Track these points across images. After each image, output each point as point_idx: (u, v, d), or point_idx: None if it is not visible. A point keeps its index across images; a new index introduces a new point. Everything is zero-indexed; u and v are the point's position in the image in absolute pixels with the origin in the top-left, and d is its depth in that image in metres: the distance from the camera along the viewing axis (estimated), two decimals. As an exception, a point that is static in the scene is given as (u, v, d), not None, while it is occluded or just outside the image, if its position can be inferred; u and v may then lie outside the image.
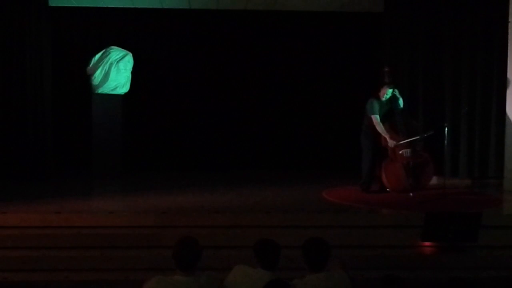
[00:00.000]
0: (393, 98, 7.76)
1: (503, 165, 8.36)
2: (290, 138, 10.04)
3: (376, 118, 7.55)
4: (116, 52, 9.08)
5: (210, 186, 8.40)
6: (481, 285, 4.77)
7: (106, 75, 8.97)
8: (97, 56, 9.03)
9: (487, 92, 8.93)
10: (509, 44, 8.15)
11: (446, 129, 7.92)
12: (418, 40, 9.02)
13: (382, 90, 7.67)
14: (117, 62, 9.04)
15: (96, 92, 9.06)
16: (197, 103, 9.95)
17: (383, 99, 7.68)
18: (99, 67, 8.96)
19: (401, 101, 7.84)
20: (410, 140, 7.59)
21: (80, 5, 9.43)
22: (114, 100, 9.06)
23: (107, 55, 9.00)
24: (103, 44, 9.58)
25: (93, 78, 9.01)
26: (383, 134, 7.56)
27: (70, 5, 9.39)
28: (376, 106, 7.60)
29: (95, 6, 9.48)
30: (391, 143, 7.53)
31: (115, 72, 9.01)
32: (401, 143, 7.58)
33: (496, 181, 8.65)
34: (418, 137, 7.68)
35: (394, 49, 9.04)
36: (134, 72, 9.35)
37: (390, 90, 7.67)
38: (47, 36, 8.93)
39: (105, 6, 9.45)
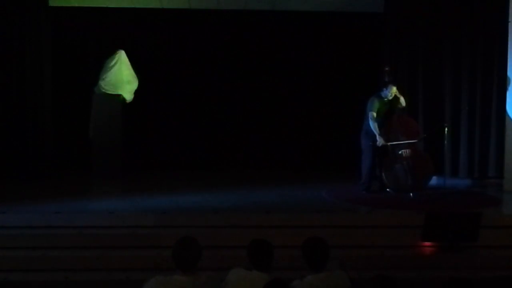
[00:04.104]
0: (393, 97, 7.77)
1: (503, 165, 8.37)
2: (291, 138, 10.03)
3: (372, 115, 7.55)
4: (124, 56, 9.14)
5: (210, 186, 8.40)
6: (481, 285, 4.76)
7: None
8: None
9: (487, 92, 8.94)
10: (509, 44, 8.16)
11: (446, 129, 7.93)
12: (418, 40, 9.02)
13: (389, 89, 7.64)
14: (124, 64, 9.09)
15: (99, 92, 9.05)
16: (197, 103, 9.95)
17: (389, 98, 7.67)
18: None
19: (402, 100, 7.83)
20: (402, 143, 7.61)
21: (80, 5, 9.42)
22: (114, 100, 9.06)
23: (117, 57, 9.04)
24: (103, 44, 9.58)
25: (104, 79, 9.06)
26: (374, 132, 7.55)
27: (70, 5, 9.38)
28: (376, 104, 7.61)
29: (95, 6, 9.47)
30: (380, 141, 7.53)
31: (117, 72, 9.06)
32: (391, 143, 7.58)
33: (496, 181, 8.66)
34: (414, 140, 7.71)
35: (394, 49, 9.04)
36: (134, 72, 9.35)
37: (395, 89, 7.67)
38: (47, 36, 8.93)
39: (105, 6, 9.45)
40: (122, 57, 9.06)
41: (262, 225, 6.13)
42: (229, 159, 9.92)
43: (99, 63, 9.23)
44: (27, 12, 8.68)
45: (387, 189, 7.76)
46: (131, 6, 9.51)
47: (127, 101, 9.19)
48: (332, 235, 5.52)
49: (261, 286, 3.41)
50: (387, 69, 7.87)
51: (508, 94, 8.24)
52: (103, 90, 9.02)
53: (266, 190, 8.11)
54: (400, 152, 7.66)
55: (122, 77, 9.05)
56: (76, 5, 9.40)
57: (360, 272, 4.93)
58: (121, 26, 9.75)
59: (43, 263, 5.59)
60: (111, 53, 9.20)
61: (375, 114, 7.56)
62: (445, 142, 8.14)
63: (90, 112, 9.09)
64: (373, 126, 7.54)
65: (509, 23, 8.17)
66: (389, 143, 7.57)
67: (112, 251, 5.78)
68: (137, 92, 9.35)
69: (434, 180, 8.17)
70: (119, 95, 9.10)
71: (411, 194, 7.41)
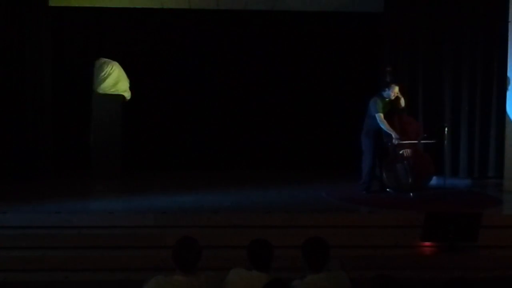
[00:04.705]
0: (395, 97, 7.77)
1: (503, 165, 8.36)
2: (290, 138, 10.02)
3: (380, 116, 7.54)
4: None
5: (210, 186, 8.39)
6: (481, 285, 4.76)
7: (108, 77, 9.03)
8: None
9: (487, 92, 8.94)
10: (509, 44, 8.16)
11: (446, 129, 7.93)
12: (418, 40, 9.02)
13: (391, 89, 7.64)
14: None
15: (97, 91, 9.07)
16: (197, 103, 9.94)
17: (391, 98, 7.67)
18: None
19: (402, 101, 7.83)
20: (403, 143, 7.62)
21: (80, 5, 9.42)
22: (114, 100, 9.05)
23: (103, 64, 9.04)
24: (103, 44, 9.57)
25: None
26: (388, 131, 7.54)
27: (70, 5, 9.38)
28: (380, 104, 7.60)
29: (95, 6, 9.47)
30: (396, 139, 7.52)
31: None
32: (405, 142, 7.58)
33: (496, 181, 8.66)
34: (416, 141, 7.72)
35: (394, 49, 9.04)
36: (134, 72, 9.35)
37: (397, 88, 7.67)
38: (47, 36, 8.92)
39: (105, 6, 9.45)
40: (114, 68, 9.07)
41: (262, 225, 6.13)
42: (229, 159, 9.92)
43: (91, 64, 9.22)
44: (27, 12, 8.68)
45: (387, 189, 7.76)
46: (131, 6, 9.51)
47: (127, 99, 9.20)
48: (332, 235, 5.52)
49: (261, 286, 3.41)
50: (389, 69, 7.87)
51: (508, 94, 8.23)
52: (101, 91, 9.05)
53: (266, 190, 8.11)
54: (400, 152, 7.66)
55: (115, 83, 9.09)
56: (76, 5, 9.39)
57: (360, 272, 4.93)
58: (121, 26, 9.75)
59: (43, 263, 5.59)
60: (111, 53, 9.20)
61: (382, 115, 7.56)
62: (445, 142, 8.14)
63: (90, 114, 9.08)
64: (385, 126, 7.54)
65: (509, 23, 8.17)
66: (404, 142, 7.58)
67: (112, 251, 5.78)
68: (137, 92, 9.35)
69: (434, 180, 8.17)
70: (119, 95, 9.10)
71: (411, 194, 7.41)
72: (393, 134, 7.53)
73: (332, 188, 8.13)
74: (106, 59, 9.06)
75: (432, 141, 7.92)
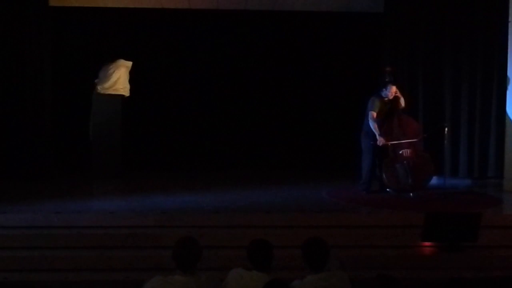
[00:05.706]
0: (394, 97, 7.77)
1: (503, 165, 8.37)
2: (290, 138, 10.03)
3: (372, 115, 7.55)
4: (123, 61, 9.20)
5: (210, 186, 8.40)
6: (481, 285, 4.77)
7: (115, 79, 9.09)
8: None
9: (487, 92, 8.94)
10: (509, 44, 8.16)
11: (446, 129, 7.93)
12: (418, 40, 9.02)
13: (388, 89, 7.65)
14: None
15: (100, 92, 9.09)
16: (197, 103, 9.94)
17: (389, 97, 7.67)
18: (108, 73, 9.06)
19: (402, 100, 7.84)
20: (402, 142, 7.60)
21: (80, 5, 9.42)
22: (114, 100, 9.06)
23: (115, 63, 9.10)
24: (103, 44, 9.58)
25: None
26: (374, 131, 7.55)
27: (70, 5, 9.38)
28: (377, 104, 7.61)
29: (95, 6, 9.47)
30: (380, 140, 7.52)
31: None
32: (391, 143, 7.57)
33: (496, 181, 8.67)
34: (414, 139, 7.71)
35: (394, 49, 9.04)
36: (134, 72, 9.36)
37: (394, 88, 7.68)
38: (47, 36, 8.93)
39: (105, 6, 9.45)
40: (120, 64, 9.12)
41: (262, 225, 6.13)
42: (229, 159, 9.92)
43: (99, 63, 9.22)
44: (27, 12, 8.68)
45: (387, 189, 7.76)
46: (131, 6, 9.51)
47: (126, 96, 9.22)
48: (332, 235, 5.53)
49: (261, 286, 3.42)
50: (388, 69, 7.86)
51: (508, 94, 8.24)
52: (102, 91, 9.06)
53: (266, 190, 8.11)
54: (400, 152, 7.66)
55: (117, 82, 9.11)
56: (76, 5, 9.39)
57: (360, 272, 4.93)
58: (121, 26, 9.75)
59: (43, 263, 5.59)
60: (111, 53, 9.22)
61: (375, 114, 7.56)
62: (445, 142, 8.14)
63: (90, 113, 9.10)
64: (373, 126, 7.54)
65: (509, 23, 8.17)
66: (389, 143, 7.57)
67: (112, 251, 5.78)
68: (137, 92, 9.36)
69: (434, 180, 8.16)
70: (119, 95, 9.11)
71: (411, 194, 7.41)
72: (377, 134, 7.52)
73: (332, 188, 8.14)
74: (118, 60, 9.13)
75: (424, 135, 7.90)
